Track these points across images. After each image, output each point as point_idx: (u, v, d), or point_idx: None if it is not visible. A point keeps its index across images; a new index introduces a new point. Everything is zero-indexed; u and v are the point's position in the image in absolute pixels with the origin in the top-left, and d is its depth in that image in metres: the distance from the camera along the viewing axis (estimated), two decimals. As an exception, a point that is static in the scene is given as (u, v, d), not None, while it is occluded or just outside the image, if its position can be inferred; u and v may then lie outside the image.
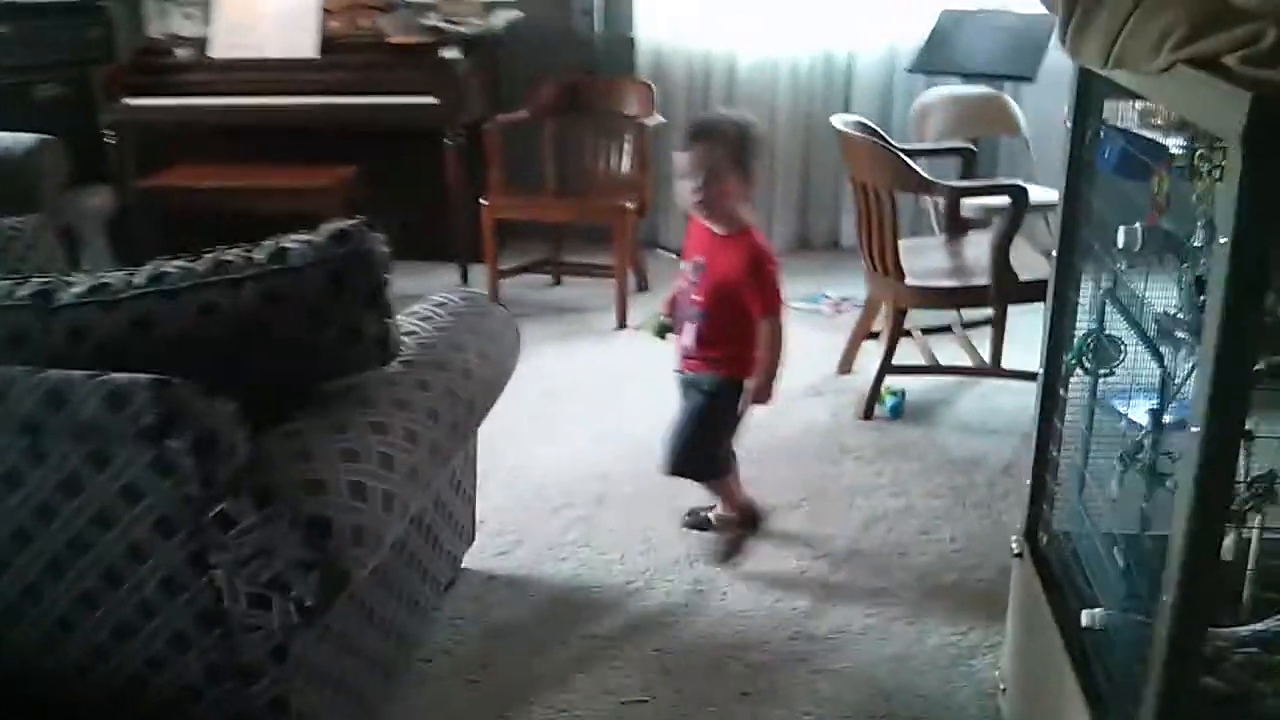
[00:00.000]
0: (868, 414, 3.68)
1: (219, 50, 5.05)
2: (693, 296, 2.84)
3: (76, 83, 5.07)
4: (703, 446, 2.89)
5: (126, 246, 5.12)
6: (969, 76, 4.82)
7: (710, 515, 3.11)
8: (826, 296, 4.84)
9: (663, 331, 2.96)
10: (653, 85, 5.03)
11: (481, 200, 4.65)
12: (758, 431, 3.55)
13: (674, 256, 5.42)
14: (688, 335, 2.86)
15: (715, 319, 2.79)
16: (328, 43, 4.98)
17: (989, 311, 3.83)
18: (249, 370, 1.96)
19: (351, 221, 2.02)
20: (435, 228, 5.00)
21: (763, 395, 2.78)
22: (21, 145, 4.62)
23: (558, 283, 5.04)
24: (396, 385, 2.14)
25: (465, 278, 5.06)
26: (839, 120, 3.66)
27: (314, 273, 1.94)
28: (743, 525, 3.01)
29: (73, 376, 1.81)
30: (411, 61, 4.91)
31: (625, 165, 4.86)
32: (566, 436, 3.56)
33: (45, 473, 1.84)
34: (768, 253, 2.77)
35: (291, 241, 1.99)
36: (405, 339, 2.36)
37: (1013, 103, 4.71)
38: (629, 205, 4.56)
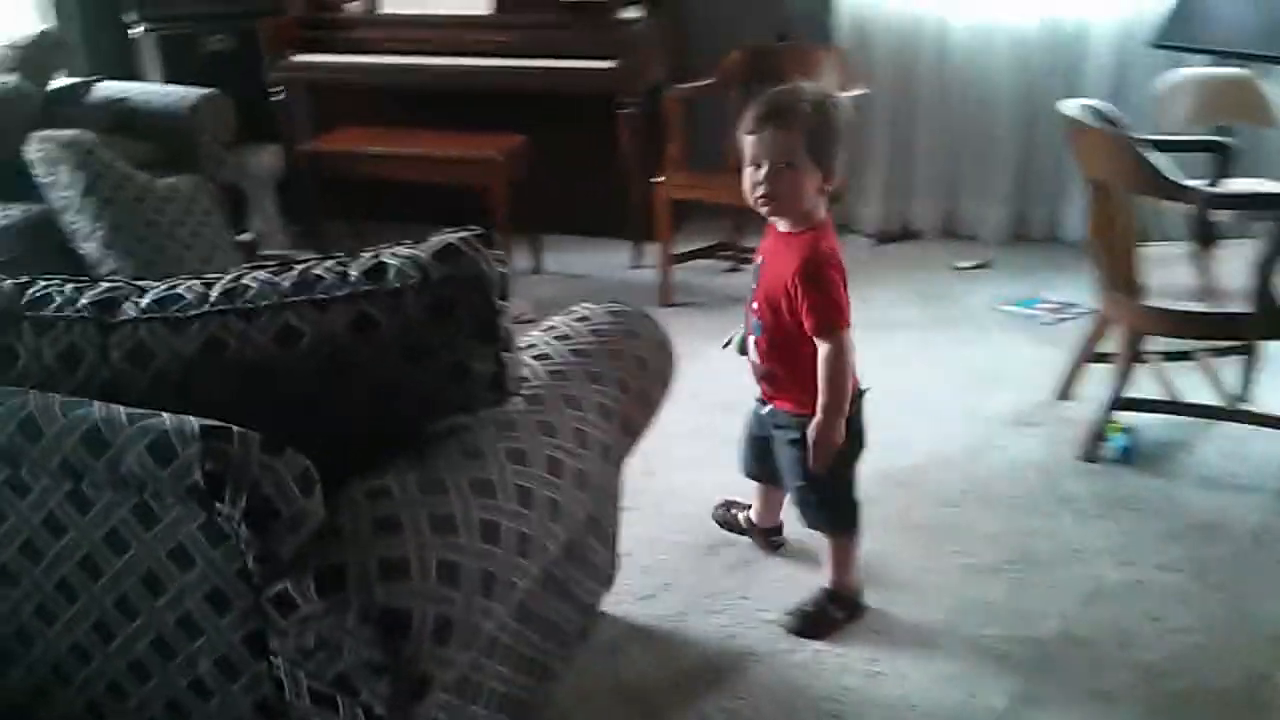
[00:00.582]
0: (1091, 455, 3.13)
1: (390, 4, 4.77)
2: (752, 304, 2.41)
3: (245, 36, 4.87)
4: (824, 496, 2.44)
5: (298, 209, 4.94)
6: (1222, 55, 4.13)
7: (743, 517, 2.79)
8: (1044, 300, 4.26)
9: (743, 347, 2.51)
10: (852, 54, 4.52)
11: (656, 177, 4.25)
12: (947, 469, 3.09)
13: (875, 242, 4.94)
14: (752, 352, 2.44)
15: (775, 335, 2.36)
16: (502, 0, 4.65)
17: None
18: (333, 409, 1.62)
19: (464, 233, 1.65)
20: (607, 203, 4.63)
21: (825, 442, 2.28)
22: (186, 99, 4.46)
23: (736, 269, 4.60)
24: (513, 430, 1.77)
25: (637, 257, 4.68)
26: (1070, 106, 3.10)
27: (415, 296, 1.58)
28: (842, 606, 2.52)
29: (116, 415, 1.50)
30: (588, 21, 4.51)
31: (817, 143, 4.37)
32: (735, 459, 3.16)
33: (90, 522, 1.55)
34: (831, 255, 2.27)
35: (392, 255, 1.64)
36: (534, 364, 1.99)
37: (1268, 88, 4.01)
38: (819, 188, 4.08)
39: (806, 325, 2.25)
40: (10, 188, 3.83)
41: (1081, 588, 2.60)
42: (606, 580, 2.48)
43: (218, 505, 1.42)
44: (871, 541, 2.60)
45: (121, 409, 1.51)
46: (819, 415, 2.26)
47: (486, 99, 4.60)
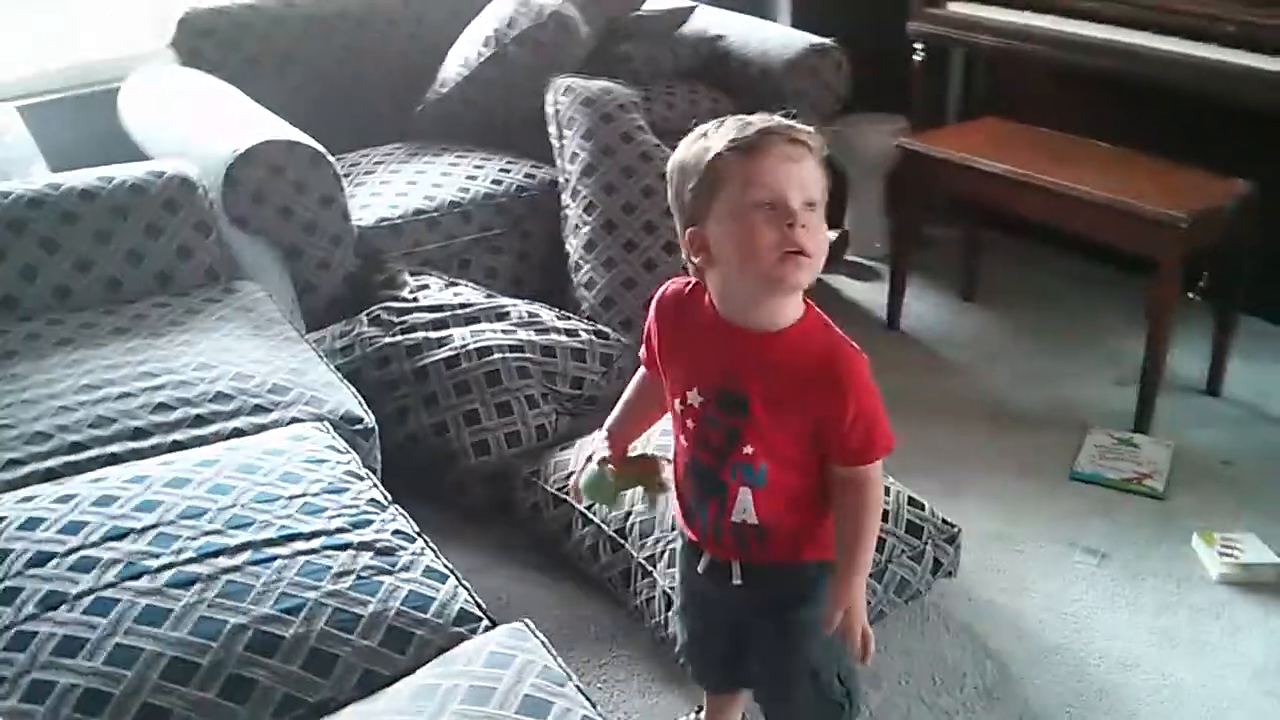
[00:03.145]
0: None
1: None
2: (743, 448, 1.48)
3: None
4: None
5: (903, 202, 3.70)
6: None
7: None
8: None
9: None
10: None
11: None
12: None
13: None
14: (742, 508, 1.52)
15: (784, 476, 1.49)
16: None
17: None
18: None
19: None
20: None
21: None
22: (788, 49, 3.38)
23: None
24: None
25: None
26: None
27: None
28: None
29: None
30: None
31: None
32: None
33: None
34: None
35: None
36: None
37: None
38: None
39: (844, 451, 1.44)
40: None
41: None
42: None
43: None
44: None
45: None
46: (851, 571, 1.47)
47: (1221, 116, 2.96)
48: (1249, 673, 2.01)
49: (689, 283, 1.51)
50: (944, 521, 2.13)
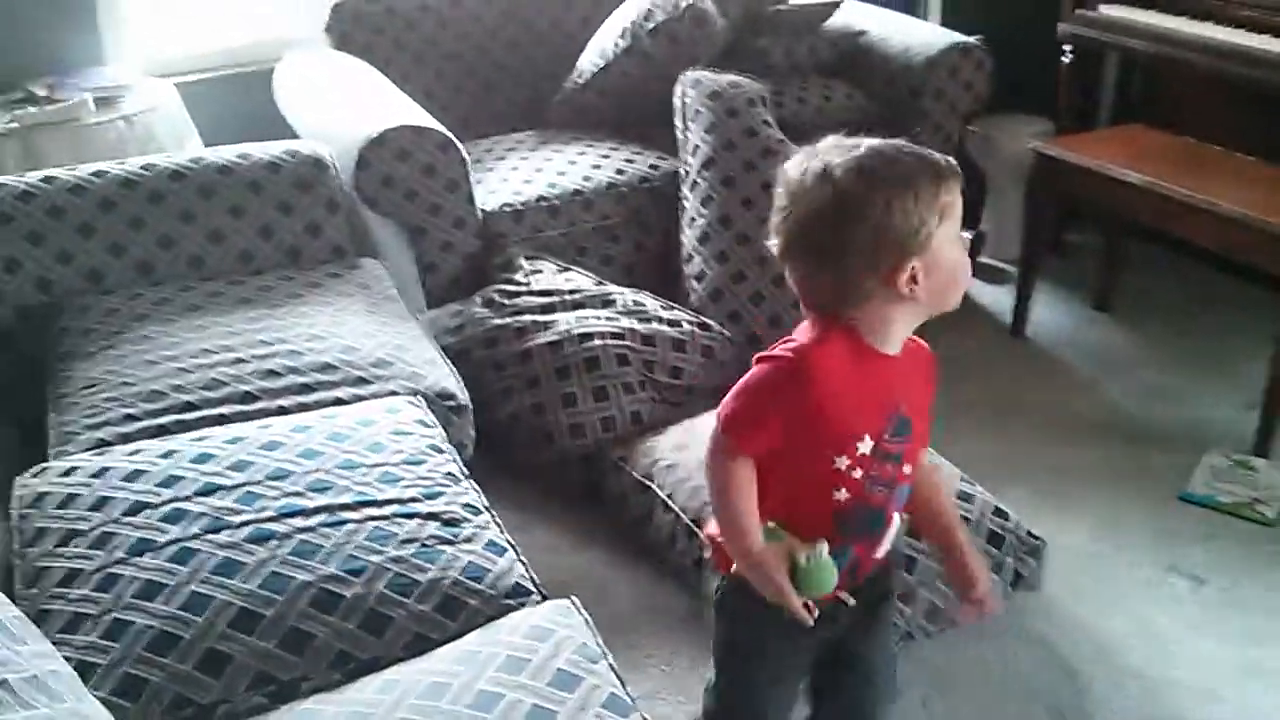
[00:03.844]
0: None
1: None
2: (902, 467, 1.43)
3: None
4: None
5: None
6: None
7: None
8: None
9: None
10: None
11: None
12: None
13: None
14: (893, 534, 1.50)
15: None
16: None
17: None
18: None
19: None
20: None
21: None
22: (929, 47, 3.33)
23: None
24: None
25: None
26: None
27: None
28: None
29: None
30: None
31: None
32: None
33: None
34: None
35: None
36: None
37: None
38: None
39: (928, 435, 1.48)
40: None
41: None
42: None
43: None
44: None
45: None
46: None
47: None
48: (1340, 714, 1.93)
49: (820, 338, 1.36)
50: (1028, 534, 2.10)
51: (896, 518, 1.47)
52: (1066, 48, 3.50)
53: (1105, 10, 3.39)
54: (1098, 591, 2.21)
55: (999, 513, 2.09)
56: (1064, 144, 3.16)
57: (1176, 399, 2.85)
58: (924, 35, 3.42)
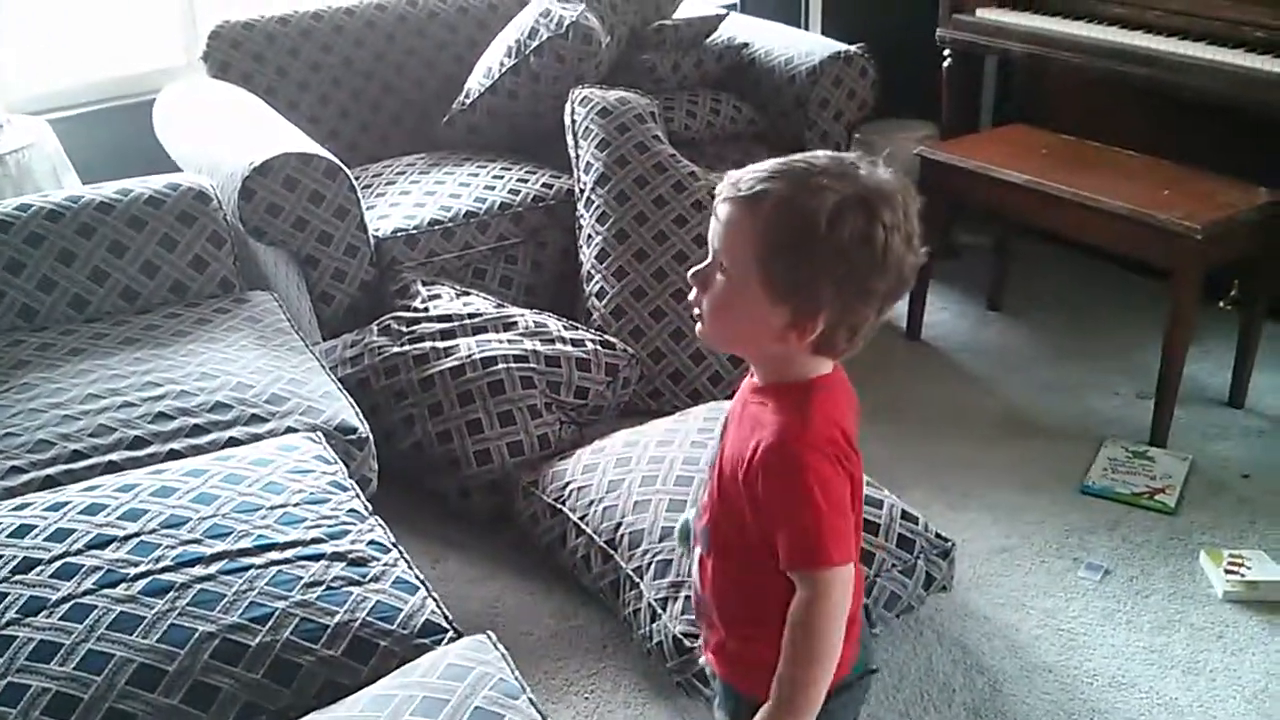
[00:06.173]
0: None
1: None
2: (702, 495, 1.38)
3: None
4: None
5: (931, 211, 3.66)
6: None
7: None
8: None
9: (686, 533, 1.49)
10: None
11: None
12: None
13: None
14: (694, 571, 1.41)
15: (721, 555, 1.33)
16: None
17: None
18: None
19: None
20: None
21: None
22: (811, 57, 3.36)
23: None
24: None
25: None
26: None
27: None
28: None
29: None
30: None
31: None
32: None
33: None
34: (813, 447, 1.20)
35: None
36: None
37: None
38: None
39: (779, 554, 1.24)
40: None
41: None
42: None
43: None
44: None
45: None
46: (771, 703, 1.23)
47: (1254, 123, 2.90)
48: (1246, 695, 1.97)
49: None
50: (938, 536, 2.11)
51: (697, 554, 1.39)
52: (946, 52, 3.57)
53: (982, 14, 3.46)
54: (1007, 588, 2.24)
55: (907, 516, 2.10)
56: (948, 147, 3.22)
57: (1073, 393, 2.91)
58: (806, 45, 3.45)
